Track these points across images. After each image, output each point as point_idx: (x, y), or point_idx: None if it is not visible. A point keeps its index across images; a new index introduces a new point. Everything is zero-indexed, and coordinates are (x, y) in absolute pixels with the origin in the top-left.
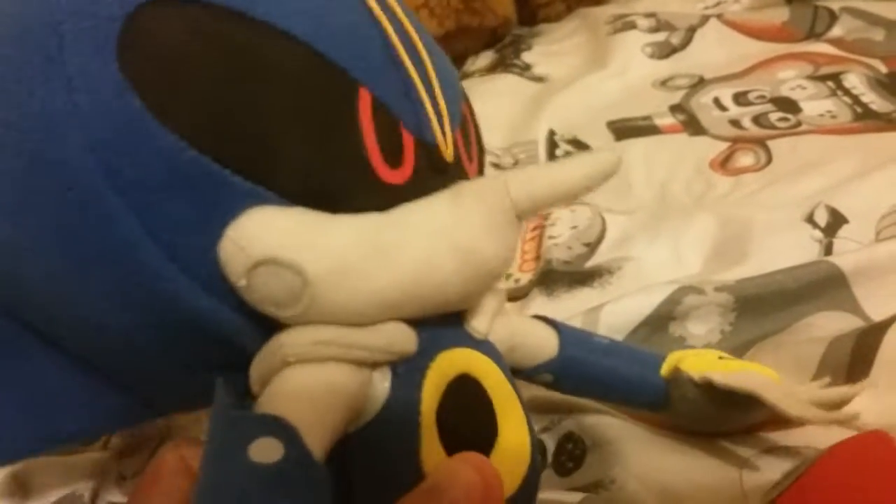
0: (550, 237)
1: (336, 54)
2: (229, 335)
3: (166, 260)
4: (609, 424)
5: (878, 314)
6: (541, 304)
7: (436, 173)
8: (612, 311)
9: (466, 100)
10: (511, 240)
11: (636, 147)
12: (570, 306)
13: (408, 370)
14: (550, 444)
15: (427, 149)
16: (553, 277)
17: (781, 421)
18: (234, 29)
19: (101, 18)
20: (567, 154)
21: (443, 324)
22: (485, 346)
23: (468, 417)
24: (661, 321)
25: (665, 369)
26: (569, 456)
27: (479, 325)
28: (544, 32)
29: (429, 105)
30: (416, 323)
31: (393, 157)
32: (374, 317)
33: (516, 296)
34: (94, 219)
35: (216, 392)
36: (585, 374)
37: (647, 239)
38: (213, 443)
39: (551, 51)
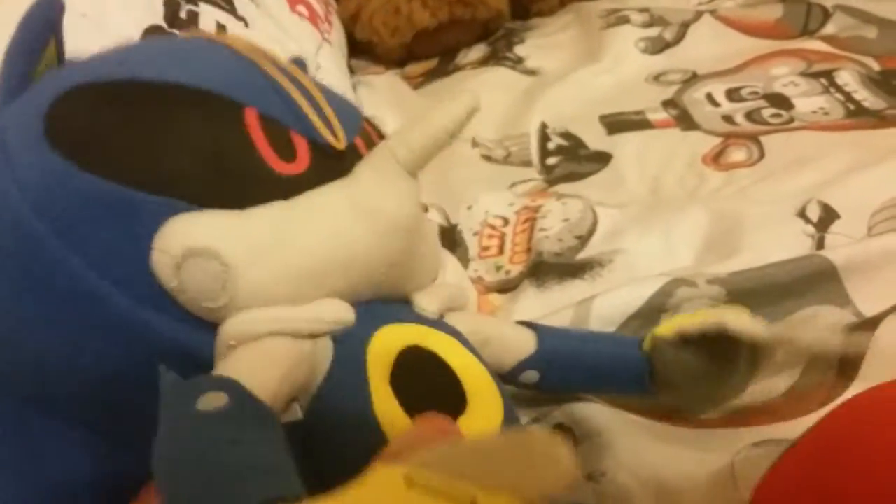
0: (541, 229)
1: (221, 88)
2: (187, 348)
3: (112, 286)
4: (600, 416)
5: (869, 309)
6: (531, 295)
7: (332, 162)
8: (603, 303)
9: (369, 133)
10: (408, 192)
11: (629, 141)
12: (561, 298)
13: (349, 336)
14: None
15: (319, 145)
16: (544, 269)
17: (775, 413)
18: (131, 89)
19: (30, 113)
20: (559, 147)
21: (387, 306)
22: (440, 324)
23: (428, 384)
24: (652, 313)
25: (646, 344)
26: None
27: (425, 304)
28: (537, 26)
29: (313, 115)
30: (354, 304)
31: (285, 153)
32: (302, 293)
33: (507, 287)
34: (42, 266)
35: (160, 373)
36: (569, 362)
37: (639, 232)
38: (164, 409)
39: (544, 44)
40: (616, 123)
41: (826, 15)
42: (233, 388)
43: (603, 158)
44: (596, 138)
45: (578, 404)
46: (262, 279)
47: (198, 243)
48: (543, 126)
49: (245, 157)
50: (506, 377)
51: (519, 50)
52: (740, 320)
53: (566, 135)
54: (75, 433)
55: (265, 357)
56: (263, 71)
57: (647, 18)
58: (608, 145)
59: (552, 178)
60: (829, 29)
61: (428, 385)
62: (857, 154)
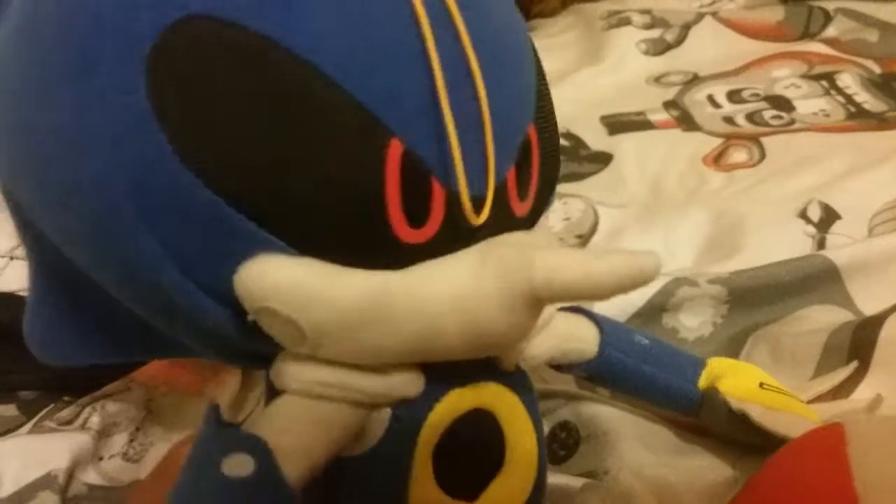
0: None
1: (368, 97)
2: (242, 344)
3: (185, 278)
4: (606, 415)
5: (869, 309)
6: None
7: (464, 234)
8: (605, 302)
9: (541, 117)
10: (525, 321)
11: (629, 142)
12: None
13: (409, 413)
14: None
15: (458, 209)
16: None
17: None
18: (262, 63)
19: (133, 37)
20: (561, 148)
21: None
22: (509, 377)
23: (471, 450)
24: (653, 312)
25: (703, 381)
26: (561, 444)
27: (508, 359)
28: (539, 27)
29: (459, 165)
30: (432, 363)
31: (417, 215)
32: (375, 364)
33: None
34: (120, 234)
35: (204, 412)
36: (622, 377)
37: (640, 231)
38: (194, 452)
39: (545, 45)
40: (617, 124)
41: (827, 18)
42: (263, 456)
43: (604, 159)
44: (597, 138)
45: (585, 403)
46: (341, 351)
47: (278, 307)
48: None
49: (368, 214)
50: (558, 370)
51: None
52: (801, 430)
53: (567, 135)
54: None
55: (317, 425)
56: (427, 51)
57: (649, 20)
58: (609, 146)
59: None
60: (831, 31)
61: (471, 452)
62: (857, 155)
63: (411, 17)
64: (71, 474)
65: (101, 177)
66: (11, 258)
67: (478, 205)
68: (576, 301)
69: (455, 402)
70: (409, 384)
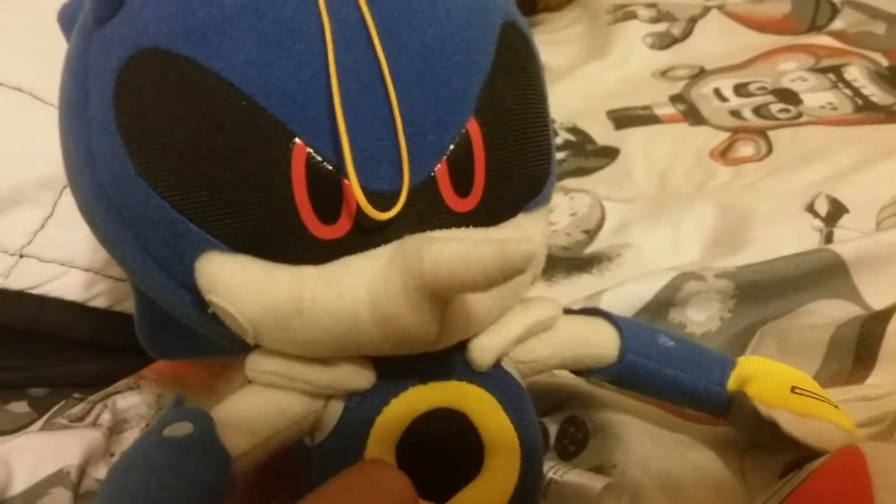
0: (549, 224)
1: (275, 107)
2: (227, 338)
3: (164, 274)
4: (614, 409)
5: (878, 303)
6: (540, 289)
7: (376, 228)
8: (612, 298)
9: (490, 114)
10: (431, 314)
11: (636, 136)
12: (570, 292)
13: (361, 405)
14: (553, 427)
15: (372, 200)
16: (552, 263)
17: None
18: (190, 83)
19: (106, 71)
20: (567, 142)
21: (432, 356)
22: (485, 377)
23: (438, 450)
24: (660, 307)
25: (732, 383)
26: (571, 439)
27: (478, 358)
28: (544, 22)
29: (350, 167)
30: (388, 357)
31: (327, 212)
32: (317, 356)
33: None
34: (115, 234)
35: (173, 399)
36: (644, 381)
37: (647, 226)
38: (150, 427)
39: (551, 40)
40: (623, 118)
41: (834, 10)
42: (202, 423)
43: (610, 153)
44: (603, 133)
45: (593, 398)
46: (277, 342)
47: (220, 301)
48: (551, 121)
49: (281, 211)
50: (578, 374)
51: None
52: (833, 440)
53: (573, 130)
54: None
55: (267, 409)
56: (329, 55)
57: (655, 14)
58: (616, 140)
59: (559, 172)
60: (838, 24)
61: (438, 453)
62: (865, 149)
63: (321, 29)
64: (83, 470)
65: (94, 190)
66: (21, 256)
67: (393, 202)
68: (465, 291)
69: (414, 400)
70: (355, 377)
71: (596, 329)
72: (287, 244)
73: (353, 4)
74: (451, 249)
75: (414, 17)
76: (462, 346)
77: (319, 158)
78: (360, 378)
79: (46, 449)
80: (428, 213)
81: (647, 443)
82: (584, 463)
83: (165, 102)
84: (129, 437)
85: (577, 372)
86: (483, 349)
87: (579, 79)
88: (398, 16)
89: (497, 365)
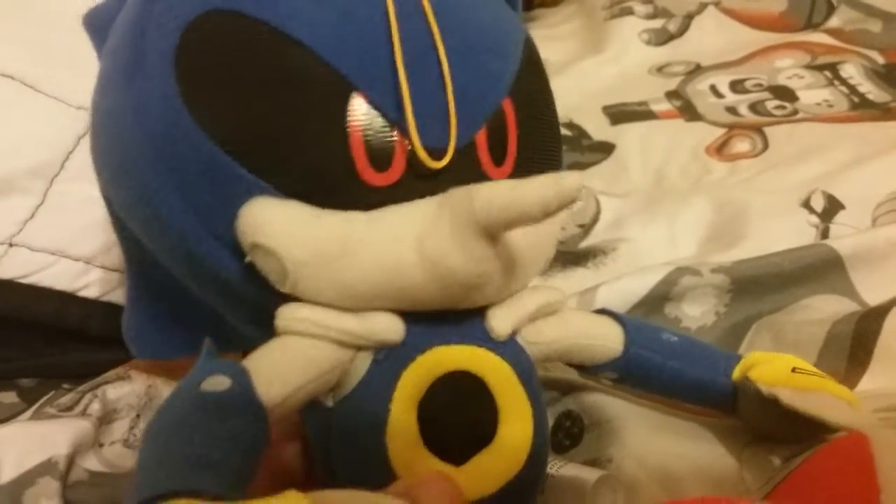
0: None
1: (338, 61)
2: (252, 297)
3: (204, 230)
4: (609, 403)
5: (873, 299)
6: (535, 283)
7: (425, 178)
8: (608, 292)
9: (522, 96)
10: (479, 253)
11: (632, 132)
12: (565, 286)
13: (388, 358)
14: (549, 420)
15: (424, 155)
16: None
17: None
18: (256, 40)
19: (168, 29)
20: (563, 137)
21: (456, 319)
22: (503, 347)
23: (458, 412)
24: (656, 302)
25: (737, 373)
26: (566, 433)
27: (496, 325)
28: (541, 17)
29: (409, 111)
30: (418, 314)
31: (380, 160)
32: (353, 305)
33: None
34: (154, 193)
35: (202, 347)
36: (650, 375)
37: (642, 221)
38: (185, 377)
39: (547, 35)
40: (619, 114)
41: (830, 8)
42: (239, 378)
43: (606, 149)
44: (599, 128)
45: (589, 391)
46: (317, 287)
47: (264, 241)
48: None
49: (336, 158)
50: (583, 370)
51: None
52: (841, 414)
53: (569, 125)
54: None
55: (299, 357)
56: (389, 24)
57: (651, 10)
58: (611, 135)
59: None
60: (834, 22)
61: (458, 415)
62: (861, 146)
63: (382, 2)
64: (71, 460)
65: (142, 143)
66: (11, 245)
67: (441, 156)
68: (515, 225)
69: (438, 359)
70: (388, 328)
71: (600, 323)
72: (338, 190)
73: None
74: (502, 184)
75: (460, 10)
76: (480, 315)
77: (377, 110)
78: (393, 330)
79: (34, 439)
80: (468, 176)
81: (644, 437)
82: (579, 457)
83: (232, 58)
84: (119, 426)
85: (582, 368)
86: (501, 317)
87: (575, 74)
88: (449, 7)
89: (512, 338)
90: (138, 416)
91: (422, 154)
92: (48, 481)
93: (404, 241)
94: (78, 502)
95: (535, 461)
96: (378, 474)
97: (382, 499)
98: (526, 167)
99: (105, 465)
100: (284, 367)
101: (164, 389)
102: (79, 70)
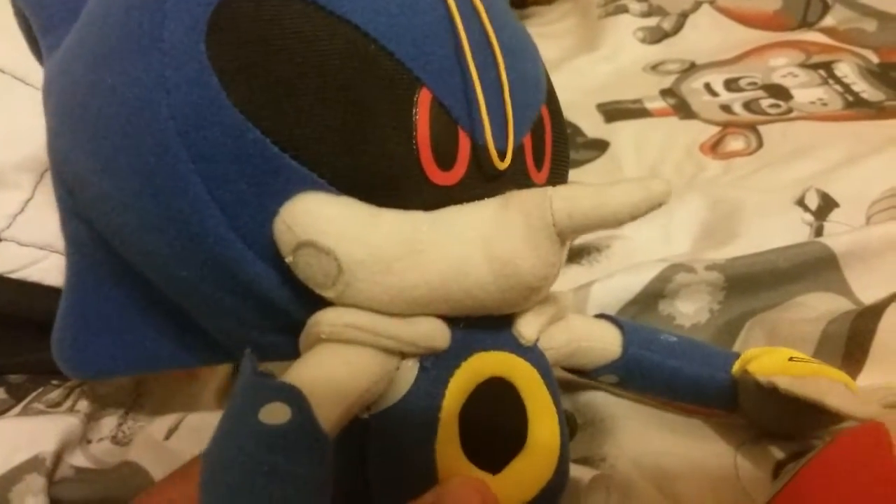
0: None
1: (403, 52)
2: (278, 302)
3: (227, 227)
4: (604, 402)
5: (867, 297)
6: None
7: (488, 179)
8: (601, 289)
9: (552, 104)
10: (550, 256)
11: (626, 129)
12: (559, 282)
13: (436, 366)
14: None
15: (482, 154)
16: None
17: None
18: (310, 22)
19: (197, 3)
20: None
21: (488, 325)
22: (529, 352)
23: (495, 419)
24: (650, 299)
25: (736, 368)
26: None
27: (526, 332)
28: (535, 15)
29: (484, 111)
30: (457, 321)
31: (445, 158)
32: (405, 310)
33: None
34: (170, 182)
35: (242, 361)
36: (649, 374)
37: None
38: (231, 403)
39: (542, 33)
40: (614, 111)
41: (825, 7)
42: (300, 405)
43: (600, 146)
44: (593, 126)
45: (584, 392)
46: (371, 291)
47: (319, 239)
48: None
49: (402, 154)
50: (584, 374)
51: None
52: (840, 398)
53: None
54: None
55: (350, 368)
56: (452, 18)
57: (646, 8)
58: (606, 133)
59: None
60: (829, 21)
61: (497, 421)
62: (855, 144)
63: (443, 4)
64: (59, 457)
65: (158, 129)
66: (0, 239)
67: (502, 158)
68: (595, 230)
69: (479, 365)
70: (436, 334)
71: (599, 326)
72: (402, 187)
73: None
74: (584, 189)
75: (500, 12)
76: (508, 321)
77: (443, 106)
78: (442, 336)
79: (22, 435)
80: (519, 179)
81: (638, 437)
82: (571, 456)
83: (280, 36)
84: (107, 423)
85: (582, 372)
86: (530, 322)
87: (570, 72)
88: (490, 7)
89: (535, 344)
90: (126, 412)
91: (493, 153)
92: (35, 478)
93: (472, 242)
94: (63, 499)
95: (563, 464)
96: (423, 485)
97: None
98: (557, 172)
99: (92, 462)
100: (337, 382)
101: (155, 386)
102: None
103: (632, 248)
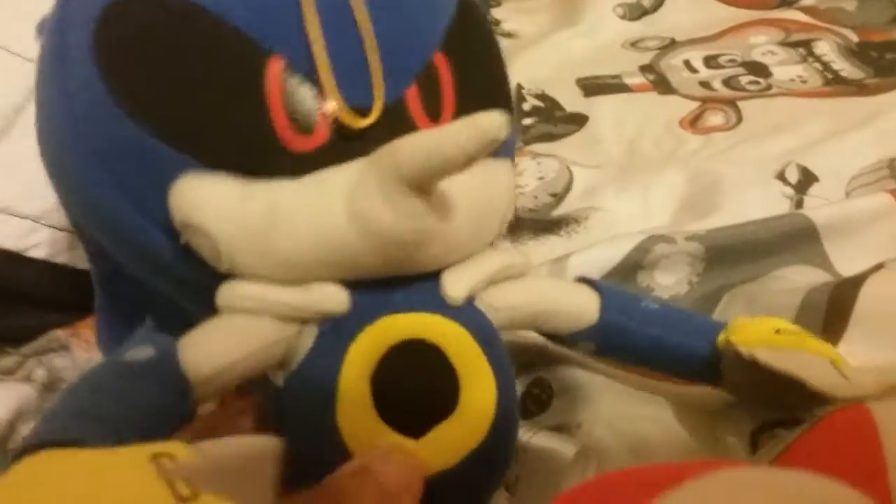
0: (516, 187)
1: (250, 26)
2: (200, 282)
3: (142, 218)
4: (580, 368)
5: (847, 270)
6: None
7: (352, 139)
8: (580, 259)
9: (459, 47)
10: (411, 210)
11: (605, 104)
12: (537, 253)
13: (334, 330)
14: (518, 388)
15: (347, 115)
16: (518, 224)
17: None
18: (165, 13)
19: (87, 16)
20: (535, 108)
21: (406, 287)
22: (461, 313)
23: (414, 383)
24: (629, 270)
25: (721, 338)
26: (534, 400)
27: (451, 290)
28: None
29: (325, 69)
30: (365, 285)
31: (303, 124)
32: (294, 278)
33: None
34: (91, 183)
35: (144, 322)
36: (627, 342)
37: (615, 191)
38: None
39: (521, 7)
40: (593, 86)
41: None
42: (164, 349)
43: (579, 120)
44: (572, 100)
45: (561, 361)
46: (253, 262)
47: (195, 219)
48: (519, 87)
49: (257, 125)
50: (560, 340)
51: (496, 13)
52: (822, 377)
53: (542, 96)
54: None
55: (234, 334)
56: None
57: None
58: (584, 107)
59: (527, 138)
60: (808, 0)
61: (413, 386)
62: (835, 120)
63: None
64: (12, 426)
65: (68, 129)
66: None
67: (367, 115)
68: (443, 174)
69: (387, 328)
70: (331, 298)
71: (574, 290)
72: (263, 158)
73: None
74: (422, 135)
75: None
76: (434, 280)
77: (293, 71)
78: (335, 300)
79: None
80: (401, 135)
81: (614, 402)
82: (546, 422)
83: (144, 36)
84: None
85: (558, 337)
86: (456, 280)
87: (549, 47)
88: None
89: (470, 303)
90: None
91: (344, 112)
92: None
93: (334, 205)
94: None
95: (501, 430)
96: (330, 451)
97: (252, 440)
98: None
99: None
100: (218, 342)
101: None
102: (30, 21)
103: (611, 221)
